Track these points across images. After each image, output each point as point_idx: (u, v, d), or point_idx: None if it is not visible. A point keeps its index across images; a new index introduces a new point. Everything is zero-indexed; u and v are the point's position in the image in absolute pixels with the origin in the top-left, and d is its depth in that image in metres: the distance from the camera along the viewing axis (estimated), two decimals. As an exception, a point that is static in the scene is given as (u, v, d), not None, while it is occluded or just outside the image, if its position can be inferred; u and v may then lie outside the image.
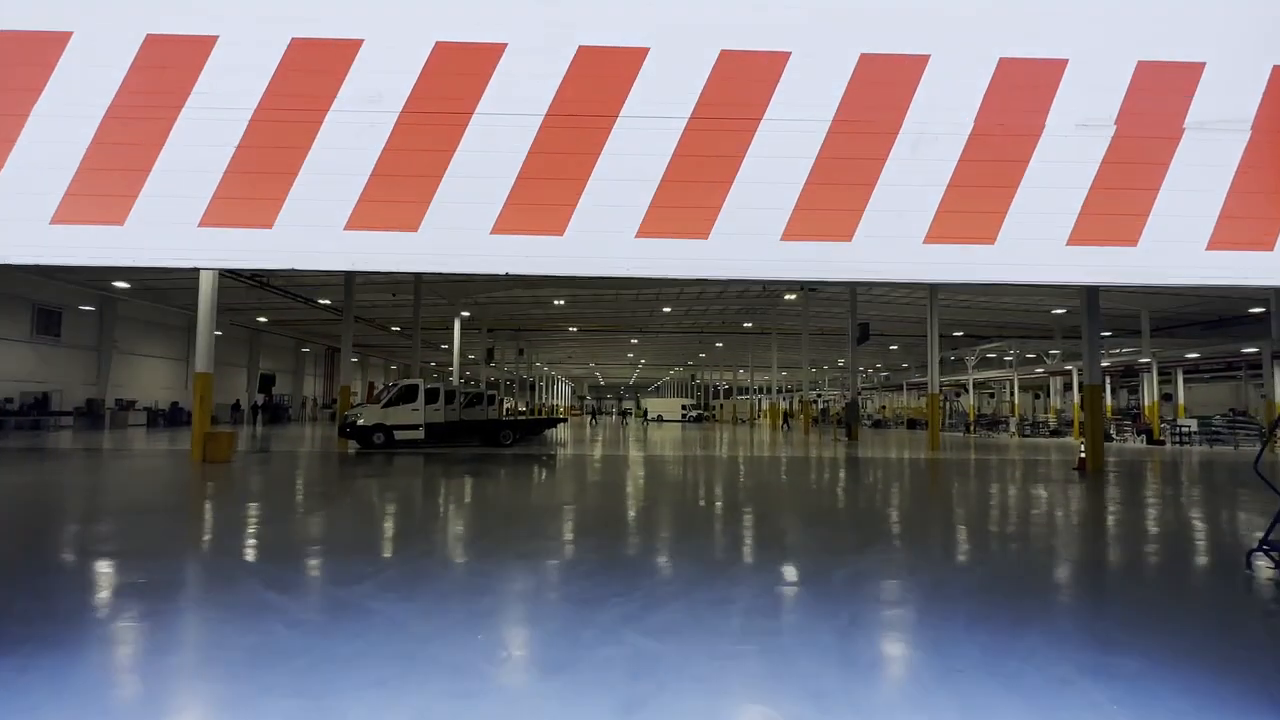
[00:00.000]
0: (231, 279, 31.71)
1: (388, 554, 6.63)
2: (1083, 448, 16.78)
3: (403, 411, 21.18)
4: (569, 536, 7.59)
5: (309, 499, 10.44)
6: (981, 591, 5.45)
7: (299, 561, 6.26)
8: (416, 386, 21.56)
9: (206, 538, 7.44)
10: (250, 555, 6.57)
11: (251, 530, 7.87)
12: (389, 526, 8.22)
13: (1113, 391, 42.11)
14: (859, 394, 31.56)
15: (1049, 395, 48.55)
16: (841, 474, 15.09)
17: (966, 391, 49.97)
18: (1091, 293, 16.75)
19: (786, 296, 36.12)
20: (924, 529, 8.35)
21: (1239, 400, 47.77)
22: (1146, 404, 37.63)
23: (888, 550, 6.98)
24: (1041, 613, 4.91)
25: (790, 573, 6.04)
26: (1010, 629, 4.50)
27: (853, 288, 30.83)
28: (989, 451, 23.81)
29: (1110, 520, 9.20)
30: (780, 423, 53.60)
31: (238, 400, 47.50)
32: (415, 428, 21.23)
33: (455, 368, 36.32)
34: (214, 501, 10.18)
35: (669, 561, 6.40)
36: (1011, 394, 49.24)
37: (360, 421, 20.76)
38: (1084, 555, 7.01)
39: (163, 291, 36.73)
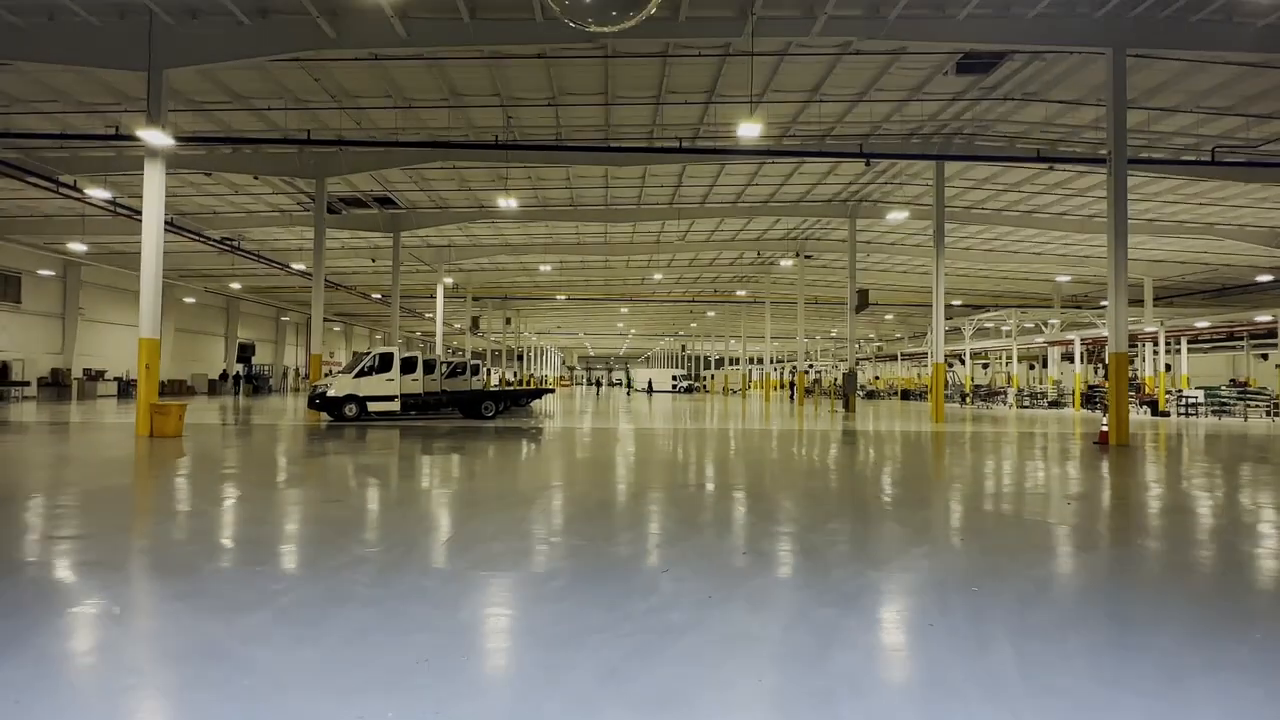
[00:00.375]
0: (201, 242, 29.87)
1: (309, 563, 5.16)
2: (1105, 420, 15.51)
3: (376, 381, 19.63)
4: (543, 537, 6.14)
5: (245, 483, 8.94)
6: (1086, 617, 4.05)
7: (188, 574, 4.79)
8: (391, 355, 19.98)
9: (89, 536, 5.93)
10: (133, 563, 5.09)
11: (154, 526, 6.39)
12: (325, 521, 6.74)
13: (1076, 363, 41.02)
14: (856, 364, 30.24)
15: (1044, 365, 47.49)
16: (852, 452, 13.74)
17: (961, 362, 48.81)
18: (1119, 252, 15.31)
19: (782, 262, 34.57)
20: (971, 523, 6.96)
21: (1234, 371, 46.86)
22: (1147, 374, 36.56)
23: (941, 554, 5.57)
24: (1194, 658, 3.50)
25: (828, 589, 4.62)
26: (1169, 690, 3.10)
27: (851, 253, 29.28)
28: (995, 424, 22.56)
29: (1184, 506, 7.84)
30: (788, 393, 52.41)
31: (225, 370, 45.88)
32: (390, 399, 19.70)
33: (438, 336, 34.72)
34: (131, 486, 8.67)
35: (669, 574, 4.96)
36: (1009, 364, 48.07)
37: (330, 392, 19.21)
38: (1184, 559, 5.62)
39: (128, 256, 34.71)
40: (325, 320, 57.96)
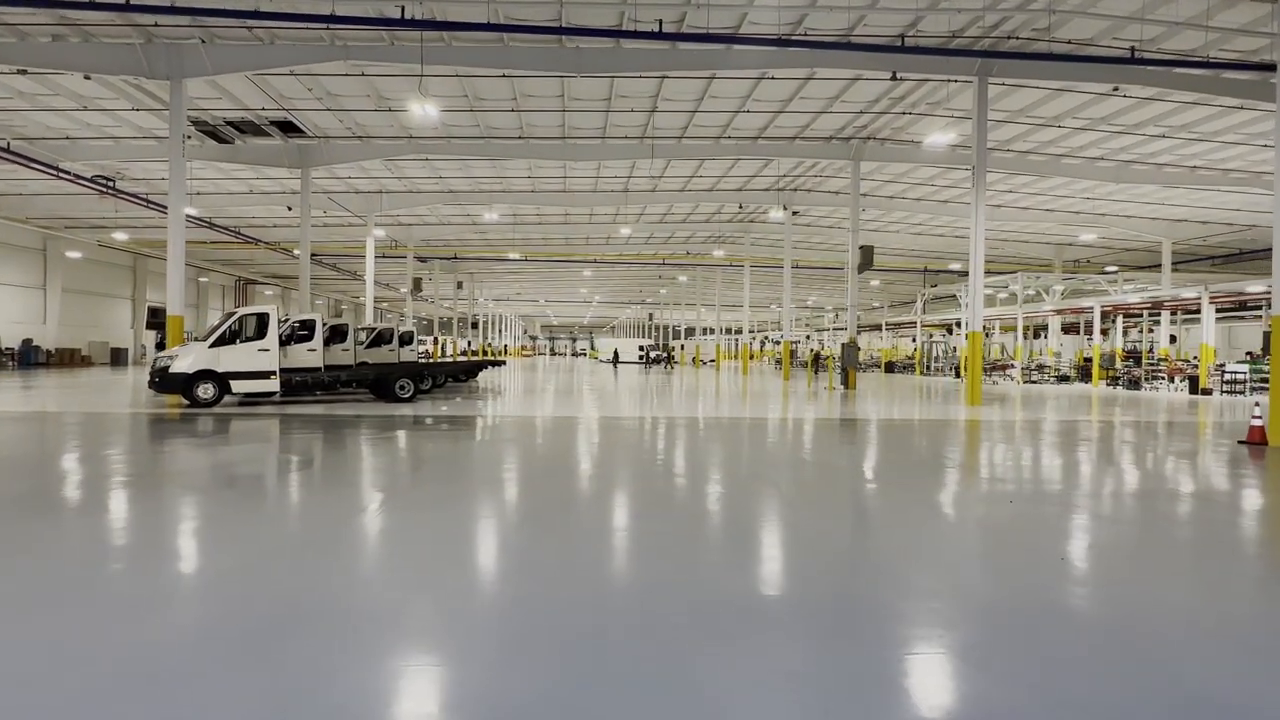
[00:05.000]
0: (68, 180, 23.63)
1: None
2: (1257, 410, 10.82)
3: (245, 353, 14.03)
4: None
5: None
6: None
7: None
8: (266, 316, 14.38)
9: None
10: None
11: None
12: None
13: (1094, 334, 37.02)
14: (856, 334, 25.40)
15: (1035, 336, 43.46)
16: (896, 452, 8.78)
17: (949, 332, 44.62)
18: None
19: (772, 214, 29.40)
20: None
21: (1230, 343, 43.38)
22: (1163, 347, 32.55)
23: None
24: None
25: None
26: None
27: (854, 203, 24.29)
28: (1047, 409, 17.86)
29: None
30: (758, 365, 47.60)
31: (162, 339, 39.33)
32: (265, 376, 14.15)
33: (368, 297, 28.87)
34: None
35: None
36: (993, 334, 43.94)
37: (175, 367, 13.55)
38: None
39: (-10, 199, 28.13)
40: (255, 284, 51.39)
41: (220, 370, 13.73)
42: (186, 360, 13.58)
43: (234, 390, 13.89)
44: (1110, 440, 10.88)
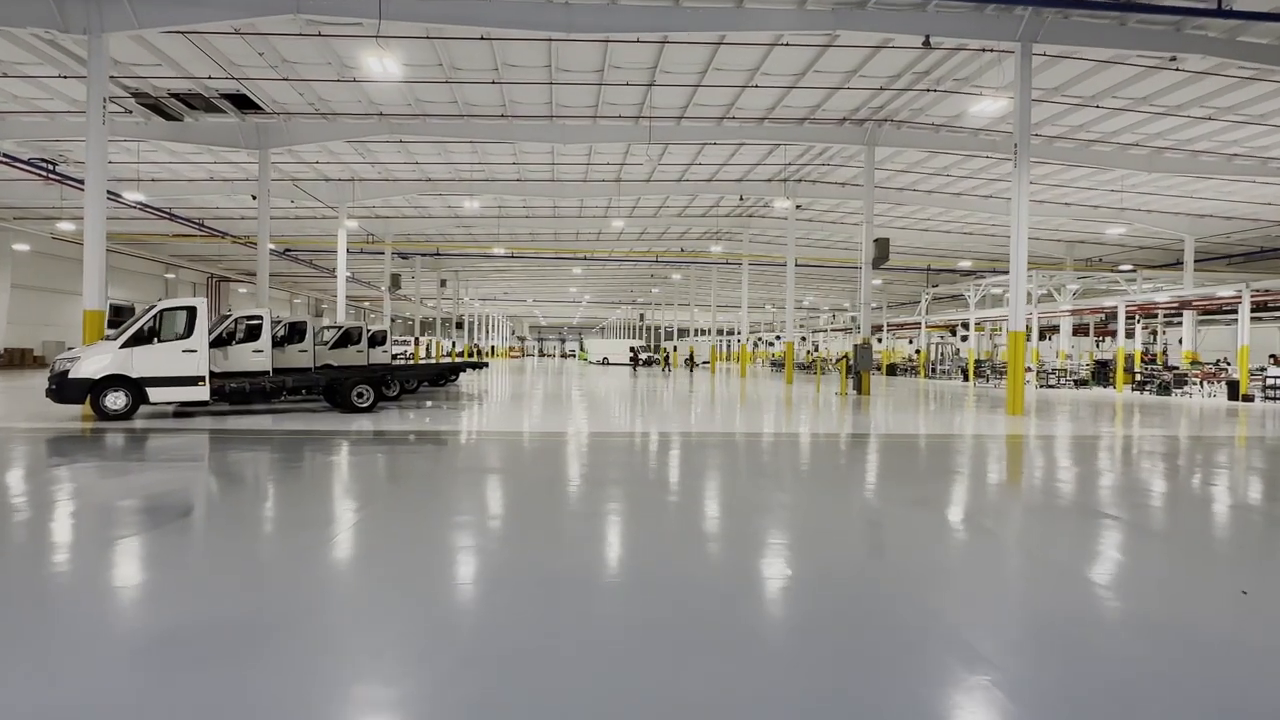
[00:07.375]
0: (3, 163, 21.06)
1: None
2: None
3: (165, 354, 11.58)
4: None
5: None
6: None
7: None
8: (195, 310, 11.93)
9: None
10: None
11: None
12: None
13: (1119, 335, 35.02)
14: (870, 335, 23.17)
15: (1041, 338, 41.51)
16: (997, 491, 6.53)
17: (952, 333, 42.63)
18: None
19: (776, 203, 27.14)
20: None
21: (1236, 344, 41.60)
22: (1186, 349, 30.58)
23: None
24: None
25: None
26: None
27: (868, 191, 22.09)
28: (1100, 419, 15.70)
29: None
30: (757, 367, 45.27)
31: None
32: (191, 382, 11.70)
33: (340, 295, 26.36)
34: None
35: None
36: (1032, 336, 41.96)
37: (76, 372, 11.09)
38: None
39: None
40: (228, 281, 48.56)
41: (135, 375, 11.28)
42: (92, 363, 11.11)
43: (151, 399, 11.45)
44: (1252, 468, 8.68)
